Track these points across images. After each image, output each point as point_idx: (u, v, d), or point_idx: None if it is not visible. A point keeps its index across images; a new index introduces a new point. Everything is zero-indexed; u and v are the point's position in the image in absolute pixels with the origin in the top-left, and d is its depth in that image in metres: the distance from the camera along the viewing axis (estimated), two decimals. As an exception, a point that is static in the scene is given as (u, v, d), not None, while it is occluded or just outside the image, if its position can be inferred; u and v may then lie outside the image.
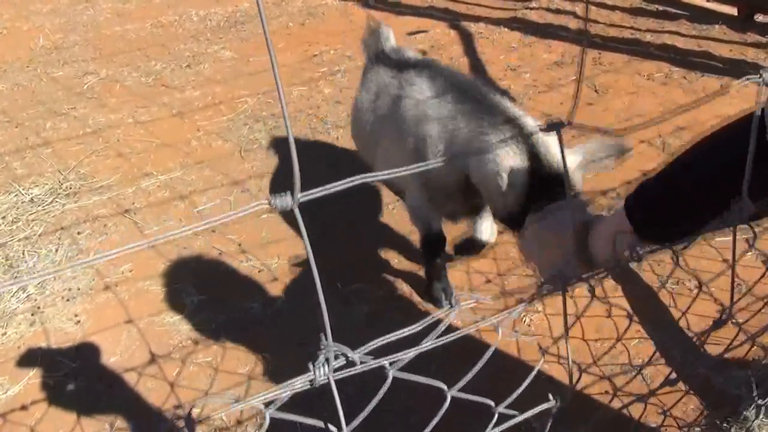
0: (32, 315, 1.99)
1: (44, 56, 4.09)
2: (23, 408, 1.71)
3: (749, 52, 3.23)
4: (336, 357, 0.57)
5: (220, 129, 3.02)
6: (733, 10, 3.53)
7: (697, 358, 1.52)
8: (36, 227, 2.39)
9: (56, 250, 2.27)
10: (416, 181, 1.67)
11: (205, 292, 2.06)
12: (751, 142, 0.66)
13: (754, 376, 1.33)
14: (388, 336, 0.62)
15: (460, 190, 1.55)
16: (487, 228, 1.91)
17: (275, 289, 2.05)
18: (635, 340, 1.71)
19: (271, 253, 2.21)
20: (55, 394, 1.75)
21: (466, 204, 1.64)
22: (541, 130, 0.71)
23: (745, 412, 1.33)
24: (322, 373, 0.56)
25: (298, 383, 0.56)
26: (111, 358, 1.84)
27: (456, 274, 2.05)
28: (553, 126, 0.66)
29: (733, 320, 0.95)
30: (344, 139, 2.80)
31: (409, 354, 0.64)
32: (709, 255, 1.92)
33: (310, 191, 0.54)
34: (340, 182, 0.56)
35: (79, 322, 1.96)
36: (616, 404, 1.55)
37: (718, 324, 0.88)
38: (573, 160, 1.32)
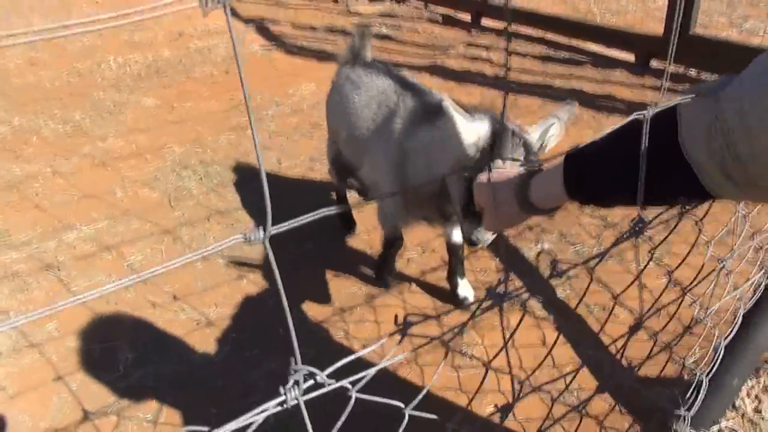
0: (-52, 383, 1.85)
1: (-52, 106, 3.87)
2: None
3: (648, 94, 3.54)
4: (305, 380, 0.61)
5: (146, 178, 2.96)
6: (630, 57, 3.87)
7: (621, 372, 1.63)
8: (-52, 288, 2.24)
9: (-28, 312, 2.13)
10: (392, 186, 1.85)
11: (141, 347, 1.99)
12: (641, 162, 0.76)
13: (680, 392, 1.44)
14: (354, 355, 0.67)
15: (435, 198, 1.74)
16: (459, 232, 2.04)
17: (215, 340, 2.01)
18: (570, 366, 1.80)
19: (207, 302, 2.17)
20: (-22, 467, 1.62)
21: (439, 209, 1.80)
22: (468, 167, 0.79)
23: (674, 426, 1.43)
24: (292, 395, 0.59)
25: (270, 407, 0.59)
26: (40, 423, 1.73)
27: (392, 309, 2.10)
28: (484, 157, 0.76)
29: (647, 328, 1.04)
30: (276, 184, 2.82)
31: (370, 373, 0.69)
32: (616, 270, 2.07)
33: (281, 224, 0.58)
34: (309, 214, 0.61)
35: (3, 388, 1.84)
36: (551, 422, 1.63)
37: (633, 330, 0.97)
38: (532, 137, 1.45)
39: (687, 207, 1.01)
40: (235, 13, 5.50)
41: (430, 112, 1.77)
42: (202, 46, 4.82)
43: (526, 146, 1.42)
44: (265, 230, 0.55)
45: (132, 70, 4.36)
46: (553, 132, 1.48)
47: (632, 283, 1.00)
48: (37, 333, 2.04)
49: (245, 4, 6.00)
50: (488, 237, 1.50)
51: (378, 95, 1.98)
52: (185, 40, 4.97)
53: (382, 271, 2.21)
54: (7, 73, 4.39)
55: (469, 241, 1.50)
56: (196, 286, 2.24)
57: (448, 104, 1.44)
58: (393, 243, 2.10)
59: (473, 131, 1.44)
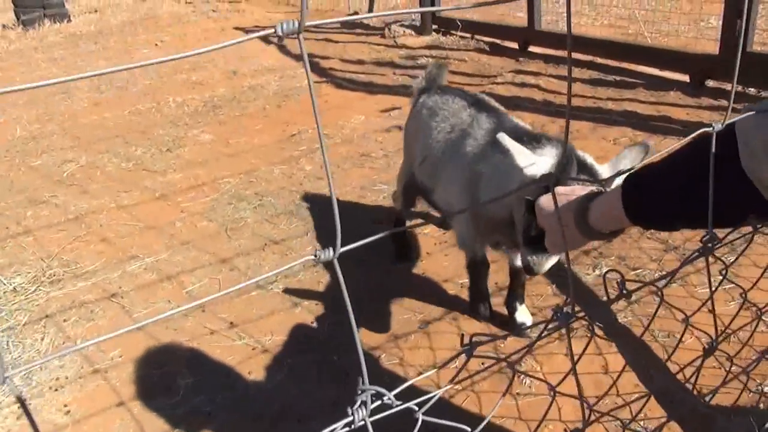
0: (19, 408, 1.92)
1: (22, 146, 4.12)
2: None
3: (704, 114, 3.45)
4: (372, 400, 0.60)
5: (204, 209, 3.05)
6: (685, 77, 3.79)
7: (691, 400, 1.55)
8: (20, 317, 2.34)
9: (42, 339, 2.22)
10: (467, 213, 1.87)
11: (199, 373, 2.02)
12: (711, 180, 0.73)
13: (756, 421, 1.36)
14: (422, 375, 0.66)
15: (506, 223, 1.70)
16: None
17: (271, 366, 2.03)
18: (634, 395, 1.73)
19: (263, 329, 2.19)
20: (46, 490, 1.67)
21: (510, 235, 1.78)
22: (535, 183, 0.79)
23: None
24: (359, 416, 0.59)
25: (338, 427, 0.59)
26: (104, 448, 1.77)
27: (447, 336, 2.07)
28: (546, 178, 0.76)
29: (722, 352, 0.99)
30: (329, 212, 2.86)
31: (437, 393, 0.68)
32: (684, 293, 1.98)
33: (350, 245, 0.58)
34: (378, 234, 0.62)
35: (69, 412, 1.89)
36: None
37: (708, 352, 0.93)
38: (606, 171, 1.43)
39: (759, 226, 0.97)
40: (286, 51, 5.69)
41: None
42: (255, 83, 4.99)
43: (593, 175, 1.40)
44: (335, 250, 0.56)
45: (190, 108, 4.55)
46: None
47: (704, 304, 0.95)
48: (102, 359, 2.10)
49: (295, 41, 6.19)
50: (545, 265, 1.47)
51: (453, 119, 2.03)
52: (239, 79, 5.16)
53: (475, 302, 2.14)
54: (75, 114, 4.64)
55: (526, 268, 1.46)
56: (252, 314, 2.27)
57: (505, 139, 1.42)
58: (476, 266, 2.07)
59: (537, 163, 1.41)
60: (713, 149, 0.73)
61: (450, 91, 2.17)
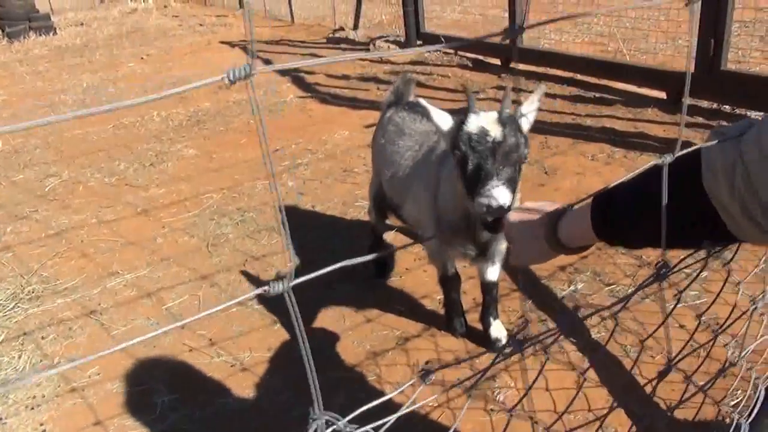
0: (-6, 427, 1.91)
1: (3, 160, 4.11)
2: None
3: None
4: (327, 425, 0.62)
5: (185, 225, 3.06)
6: (662, 94, 3.87)
7: (656, 414, 1.59)
8: (-3, 334, 2.33)
9: (19, 357, 2.21)
10: (431, 220, 1.90)
11: (177, 390, 2.02)
12: (663, 207, 0.77)
13: (720, 436, 1.39)
14: (376, 401, 0.68)
15: (464, 225, 1.78)
16: (494, 270, 2.05)
17: (249, 384, 2.03)
18: (605, 410, 1.76)
19: (242, 346, 2.20)
20: None
21: (469, 239, 1.84)
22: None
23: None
24: None
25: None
26: (79, 467, 1.77)
27: (423, 352, 2.09)
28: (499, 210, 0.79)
29: (681, 370, 1.02)
30: (311, 228, 2.87)
31: (391, 419, 0.69)
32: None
33: (302, 277, 0.60)
34: (330, 266, 0.64)
35: (45, 431, 1.89)
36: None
37: (663, 373, 0.96)
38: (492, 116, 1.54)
39: (713, 250, 1.00)
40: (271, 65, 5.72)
41: None
42: (240, 98, 5.01)
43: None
44: (285, 282, 0.57)
45: (174, 123, 4.56)
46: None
47: (659, 326, 0.98)
48: (79, 377, 2.10)
49: (281, 55, 6.24)
50: (499, 196, 1.36)
51: (421, 136, 2.07)
52: (224, 94, 5.18)
53: (451, 318, 2.17)
54: (59, 128, 4.64)
55: (483, 218, 1.41)
56: (231, 331, 2.28)
57: (422, 102, 1.65)
58: (447, 281, 2.10)
59: (446, 118, 1.65)
60: (665, 181, 0.76)
61: (417, 109, 2.19)
